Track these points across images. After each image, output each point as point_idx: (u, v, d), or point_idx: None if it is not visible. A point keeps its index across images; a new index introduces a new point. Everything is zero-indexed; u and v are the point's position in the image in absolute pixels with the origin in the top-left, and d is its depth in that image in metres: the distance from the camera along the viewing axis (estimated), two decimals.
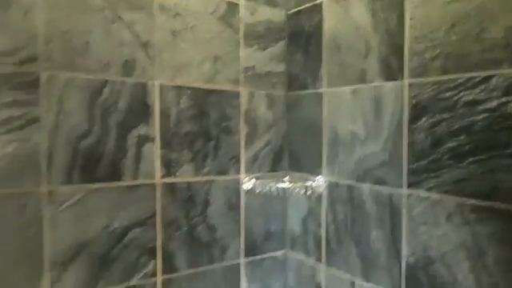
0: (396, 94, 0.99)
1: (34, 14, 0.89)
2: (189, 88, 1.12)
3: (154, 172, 1.07)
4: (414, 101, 0.95)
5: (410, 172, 0.96)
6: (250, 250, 1.26)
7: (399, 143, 0.98)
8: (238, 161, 1.23)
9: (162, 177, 1.08)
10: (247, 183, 1.24)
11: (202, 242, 1.16)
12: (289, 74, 1.33)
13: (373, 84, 1.05)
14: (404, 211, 0.98)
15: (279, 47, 1.31)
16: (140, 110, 1.04)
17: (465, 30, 0.85)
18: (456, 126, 0.87)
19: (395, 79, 0.99)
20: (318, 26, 1.21)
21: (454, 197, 0.88)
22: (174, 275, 1.11)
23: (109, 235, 1.00)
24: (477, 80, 0.83)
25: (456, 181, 0.87)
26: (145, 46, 1.04)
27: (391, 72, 1.00)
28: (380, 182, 1.04)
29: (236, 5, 1.21)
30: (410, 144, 0.96)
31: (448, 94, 0.88)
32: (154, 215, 1.07)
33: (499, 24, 0.80)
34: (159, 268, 1.08)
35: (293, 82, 1.32)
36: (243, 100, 1.23)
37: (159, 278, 1.08)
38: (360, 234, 1.09)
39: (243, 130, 1.24)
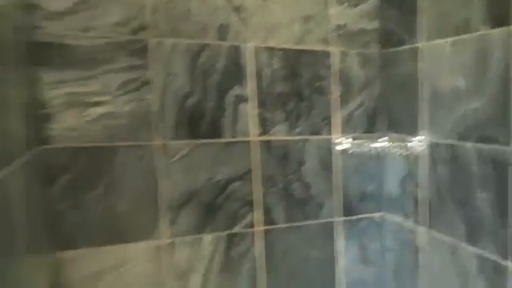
0: (504, 43, 0.89)
1: None
2: (280, 49, 1.16)
3: (250, 130, 1.13)
4: None
5: None
6: (346, 210, 1.26)
7: (507, 97, 0.89)
8: (330, 121, 1.23)
9: (258, 135, 1.14)
10: (341, 144, 1.24)
11: (297, 198, 1.20)
12: (382, 31, 1.28)
13: (477, 33, 0.96)
14: None
15: (371, 3, 1.27)
16: (235, 72, 1.11)
17: None
18: None
19: (504, 25, 0.89)
20: None
21: None
22: (272, 227, 1.17)
23: (212, 186, 1.10)
24: None
25: None
26: (237, 9, 1.10)
27: (499, 18, 0.90)
28: (485, 139, 0.95)
29: None
30: None
31: None
32: (250, 171, 1.14)
33: None
34: (257, 219, 1.15)
35: (387, 39, 1.27)
36: (335, 60, 1.23)
37: (258, 229, 1.16)
38: (463, 196, 1.01)
39: (336, 90, 1.24)
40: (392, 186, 1.28)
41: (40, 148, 0.93)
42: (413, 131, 1.17)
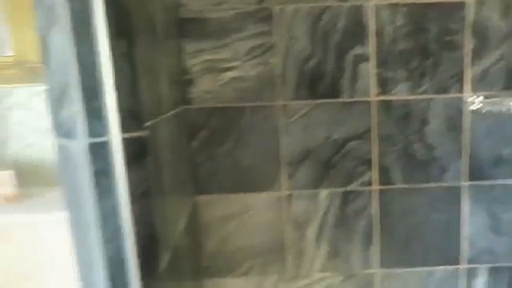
0: None
1: None
2: (404, 5, 1.11)
3: (370, 90, 1.14)
4: None
5: None
6: (475, 174, 1.18)
7: None
8: (461, 78, 1.14)
9: (377, 95, 1.14)
10: (473, 102, 1.15)
11: (418, 159, 1.17)
12: None
13: None
14: None
15: None
16: (356, 31, 1.12)
17: None
18: None
19: None
20: None
21: None
22: (389, 187, 1.18)
23: (330, 145, 1.16)
24: None
25: None
26: None
27: None
28: None
29: None
30: None
31: None
32: (369, 130, 1.15)
33: None
34: (375, 179, 1.17)
35: None
36: (470, 10, 1.12)
37: (375, 188, 1.18)
38: None
39: (469, 44, 1.13)
40: None
41: (183, 108, 1.12)
42: None
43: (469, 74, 1.14)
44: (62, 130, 0.58)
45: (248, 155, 1.16)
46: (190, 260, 1.08)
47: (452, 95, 1.15)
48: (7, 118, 1.18)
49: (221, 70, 1.13)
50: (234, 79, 1.13)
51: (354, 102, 1.14)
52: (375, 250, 1.21)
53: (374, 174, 1.17)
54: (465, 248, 1.22)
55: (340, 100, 1.14)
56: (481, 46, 1.13)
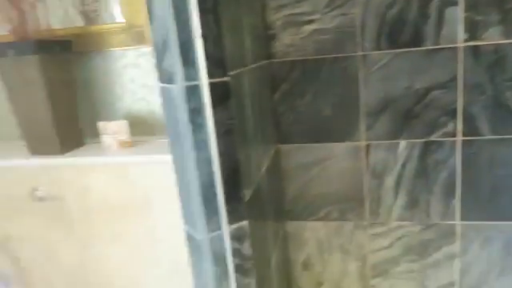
0: None
1: None
2: None
3: (456, 36, 1.09)
4: None
5: None
6: None
7: None
8: None
9: (465, 41, 1.09)
10: None
11: (510, 109, 1.10)
12: None
13: None
14: None
15: None
16: None
17: None
18: None
19: None
20: None
21: None
22: (475, 138, 1.14)
23: (411, 94, 1.15)
24: None
25: None
26: None
27: None
28: None
29: None
30: None
31: None
32: (454, 78, 1.11)
33: None
34: (459, 129, 1.14)
35: None
36: None
37: (459, 139, 1.15)
38: None
39: None
40: None
41: (266, 62, 1.20)
42: None
43: None
44: (165, 77, 0.71)
45: (328, 106, 1.22)
46: (273, 203, 1.20)
47: None
48: (121, 76, 1.39)
49: (301, 24, 1.18)
50: (314, 32, 1.17)
51: (439, 49, 1.11)
52: (456, 202, 1.20)
53: (459, 125, 1.14)
54: None
55: (423, 48, 1.12)
56: None
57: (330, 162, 1.26)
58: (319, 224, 1.33)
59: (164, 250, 1.25)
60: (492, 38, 1.07)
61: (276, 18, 1.18)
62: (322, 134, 1.24)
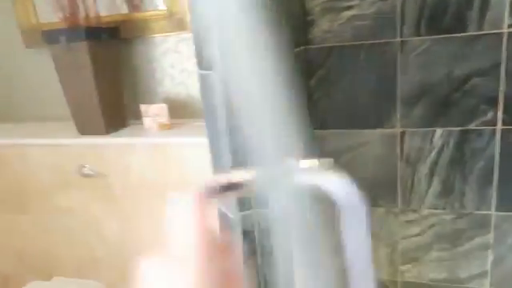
0: None
1: None
2: None
3: (502, 21, 1.05)
4: None
5: None
6: None
7: None
8: None
9: (509, 26, 1.05)
10: None
11: None
12: None
13: None
14: None
15: None
16: None
17: None
18: None
19: None
20: None
21: None
22: None
23: (450, 81, 1.13)
24: None
25: None
26: None
27: None
28: None
29: None
30: None
31: None
32: (497, 65, 1.08)
33: None
34: (499, 118, 1.11)
35: None
36: None
37: (498, 127, 1.12)
38: None
39: None
40: None
41: (303, 48, 1.21)
42: None
43: None
44: (204, 64, 0.74)
45: (364, 92, 1.21)
46: None
47: None
48: (162, 62, 1.45)
49: (340, 10, 1.17)
50: (352, 18, 1.17)
51: (482, 35, 1.07)
52: (493, 192, 1.18)
53: (499, 113, 1.11)
54: None
55: (465, 34, 1.08)
56: None
57: (364, 149, 1.27)
58: None
59: None
60: None
61: (315, 4, 1.18)
62: (357, 120, 1.25)
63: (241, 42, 0.31)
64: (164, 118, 1.36)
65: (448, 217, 1.24)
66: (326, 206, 0.35)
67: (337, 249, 0.35)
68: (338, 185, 0.35)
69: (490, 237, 1.22)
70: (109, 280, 1.54)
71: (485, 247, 1.23)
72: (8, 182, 1.53)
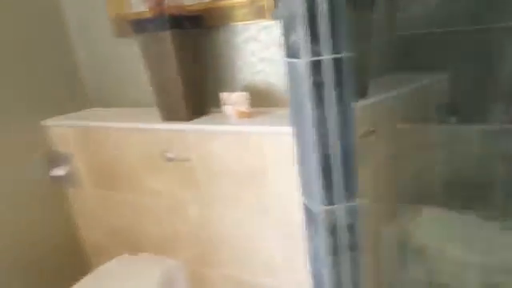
0: None
1: None
2: None
3: None
4: None
5: None
6: None
7: None
8: None
9: None
10: None
11: None
12: None
13: None
14: None
15: None
16: None
17: None
18: None
19: None
20: None
21: None
22: None
23: None
24: None
25: None
26: None
27: None
28: None
29: None
30: None
31: None
32: None
33: None
34: None
35: None
36: None
37: None
38: None
39: None
40: None
41: (396, 35, 1.13)
42: None
43: None
44: (291, 51, 0.72)
45: (462, 83, 1.11)
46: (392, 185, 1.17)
47: None
48: (242, 50, 1.46)
49: None
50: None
51: None
52: None
53: None
54: None
55: None
56: None
57: (459, 146, 1.16)
58: (437, 210, 1.24)
59: (275, 216, 1.32)
60: None
61: None
62: (451, 113, 1.14)
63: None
64: (244, 106, 1.36)
65: None
66: None
67: None
68: None
69: None
70: (187, 259, 1.62)
71: None
72: (103, 162, 1.67)
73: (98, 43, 1.78)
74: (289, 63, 0.74)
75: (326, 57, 0.69)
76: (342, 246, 0.78)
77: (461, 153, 1.14)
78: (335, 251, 0.77)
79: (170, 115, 1.45)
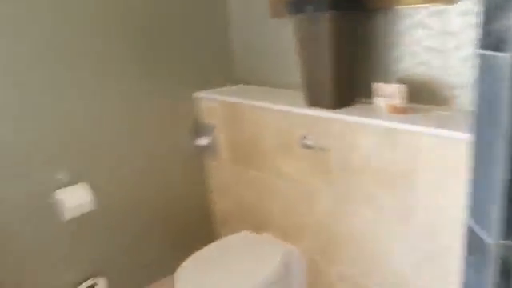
0: None
1: None
2: None
3: None
4: None
5: None
6: None
7: None
8: None
9: None
10: None
11: None
12: None
13: None
14: None
15: None
16: None
17: None
18: None
19: None
20: None
21: None
22: None
23: None
24: None
25: None
26: None
27: None
28: None
29: None
30: None
31: None
32: None
33: None
34: None
35: None
36: None
37: None
38: None
39: None
40: None
41: None
42: None
43: None
44: (490, 42, 0.58)
45: None
46: None
47: None
48: (404, 37, 1.30)
49: None
50: None
51: None
52: None
53: None
54: None
55: None
56: None
57: None
58: None
59: (417, 228, 1.17)
60: None
61: None
62: None
63: None
64: (398, 100, 1.22)
65: None
66: None
67: None
68: None
69: None
70: (307, 249, 1.58)
71: None
72: (242, 138, 1.72)
73: (254, 23, 1.81)
74: (483, 56, 0.59)
75: None
76: None
77: None
78: None
79: (315, 101, 1.39)
